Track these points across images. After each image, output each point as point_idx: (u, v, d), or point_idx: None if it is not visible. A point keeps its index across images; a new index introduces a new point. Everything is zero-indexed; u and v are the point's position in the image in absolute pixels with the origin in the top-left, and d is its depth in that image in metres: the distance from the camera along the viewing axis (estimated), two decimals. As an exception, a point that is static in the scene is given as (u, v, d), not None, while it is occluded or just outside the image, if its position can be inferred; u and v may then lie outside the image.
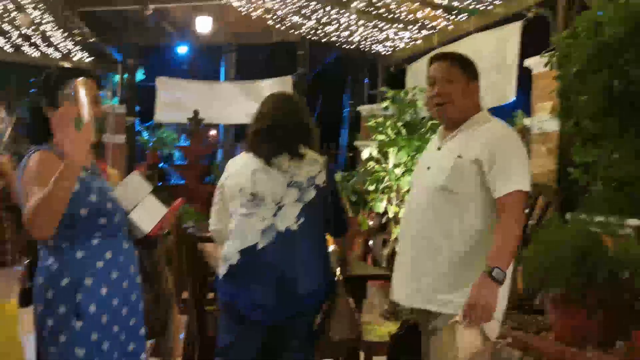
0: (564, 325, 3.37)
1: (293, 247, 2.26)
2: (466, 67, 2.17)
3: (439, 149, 2.18)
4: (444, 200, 2.06)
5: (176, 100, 9.20)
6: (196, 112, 8.24)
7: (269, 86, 9.06)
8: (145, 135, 11.09)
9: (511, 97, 5.41)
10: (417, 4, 5.99)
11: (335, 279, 2.41)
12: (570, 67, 3.78)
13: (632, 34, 3.42)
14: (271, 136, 2.34)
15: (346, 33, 7.14)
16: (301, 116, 2.41)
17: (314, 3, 6.47)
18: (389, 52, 7.80)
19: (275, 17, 7.25)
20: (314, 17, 6.84)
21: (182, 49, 11.66)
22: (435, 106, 2.16)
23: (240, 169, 2.38)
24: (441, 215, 2.06)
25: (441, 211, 2.06)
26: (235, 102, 9.23)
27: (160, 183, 8.49)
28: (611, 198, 3.59)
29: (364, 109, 8.55)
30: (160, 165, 9.67)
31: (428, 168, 2.16)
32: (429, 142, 2.41)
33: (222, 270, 2.31)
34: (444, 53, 2.27)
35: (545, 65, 3.98)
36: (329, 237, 2.52)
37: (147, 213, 1.97)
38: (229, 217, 2.40)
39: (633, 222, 3.55)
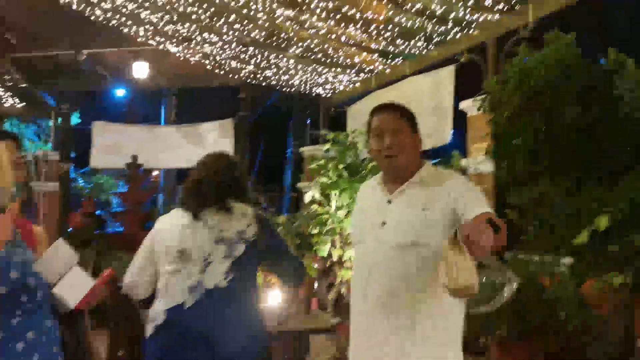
0: (508, 367, 3.40)
1: (222, 304, 2.18)
2: (411, 119, 2.18)
3: (389, 202, 2.13)
4: (415, 256, 1.98)
5: (113, 145, 8.97)
6: (134, 157, 8.04)
7: (210, 129, 8.98)
8: (81, 181, 10.71)
9: (447, 138, 5.55)
10: (354, 48, 6.11)
11: (269, 335, 2.34)
12: (502, 111, 3.93)
13: (556, 82, 3.60)
14: (199, 191, 2.32)
15: (286, 77, 7.20)
16: (231, 172, 2.40)
17: (252, 49, 6.50)
18: (329, 95, 7.91)
19: (214, 62, 7.24)
20: (252, 61, 6.87)
21: (120, 92, 11.46)
22: (385, 158, 2.13)
23: (169, 226, 2.34)
24: (415, 271, 1.98)
25: (414, 267, 1.98)
26: (176, 146, 9.08)
27: (98, 231, 8.17)
28: (546, 237, 3.69)
29: (307, 150, 8.58)
30: (98, 212, 9.33)
31: (383, 223, 2.08)
32: (363, 192, 2.34)
33: (148, 331, 2.21)
34: (388, 104, 2.25)
35: (478, 109, 4.13)
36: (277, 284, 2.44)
37: (73, 286, 1.83)
38: (147, 272, 2.33)
39: (567, 260, 3.65)
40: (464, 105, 5.03)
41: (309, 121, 10.39)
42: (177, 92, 11.23)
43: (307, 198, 5.86)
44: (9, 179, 1.71)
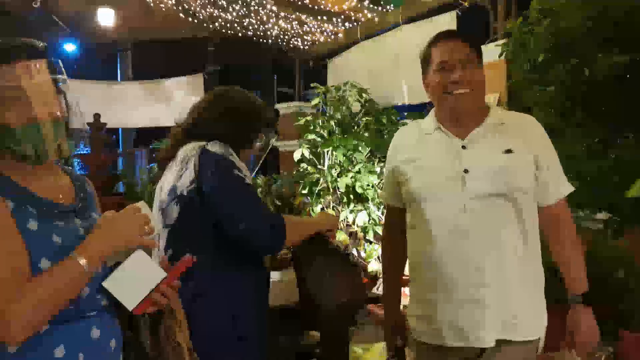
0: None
1: None
2: (479, 51, 1.85)
3: (464, 147, 1.79)
4: (508, 207, 1.73)
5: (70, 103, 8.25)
6: (97, 116, 7.38)
7: (177, 86, 8.40)
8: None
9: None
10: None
11: None
12: (527, 57, 3.61)
13: (593, 22, 3.30)
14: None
15: (264, 27, 6.67)
16: (201, 110, 1.83)
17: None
18: (307, 47, 7.43)
19: (186, 9, 6.60)
20: (230, 9, 6.28)
21: (70, 47, 10.49)
22: (453, 95, 1.76)
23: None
24: (510, 226, 1.73)
25: (510, 221, 1.73)
26: (139, 104, 8.46)
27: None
28: (576, 192, 3.44)
29: (281, 107, 8.17)
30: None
31: (465, 171, 1.74)
32: (407, 140, 1.95)
33: None
34: (453, 32, 1.95)
35: (500, 55, 3.80)
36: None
37: (132, 280, 1.25)
38: None
39: (601, 215, 3.45)
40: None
41: (275, 77, 9.91)
42: (132, 48, 10.37)
43: (296, 156, 5.49)
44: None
